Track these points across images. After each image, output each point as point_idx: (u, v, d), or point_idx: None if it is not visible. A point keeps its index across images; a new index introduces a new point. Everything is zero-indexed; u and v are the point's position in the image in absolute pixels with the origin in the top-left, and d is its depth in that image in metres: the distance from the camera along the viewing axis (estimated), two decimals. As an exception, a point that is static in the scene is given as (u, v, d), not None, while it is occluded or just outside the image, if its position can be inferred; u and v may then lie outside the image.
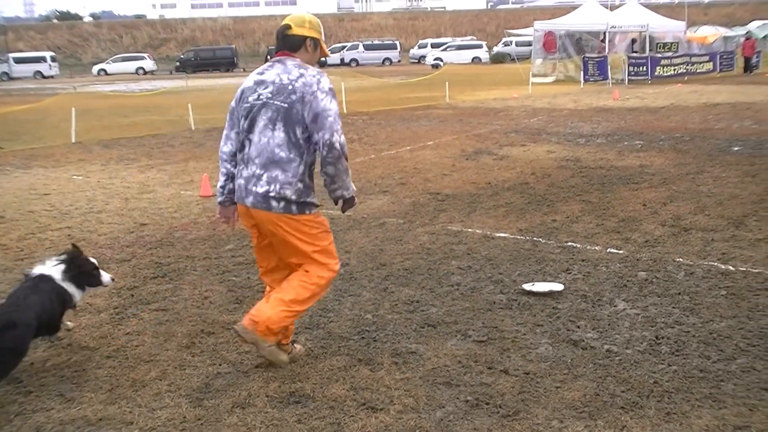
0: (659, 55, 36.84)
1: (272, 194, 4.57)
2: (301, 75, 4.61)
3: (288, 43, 4.75)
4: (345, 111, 22.78)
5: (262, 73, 4.73)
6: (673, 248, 7.48)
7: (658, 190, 10.26)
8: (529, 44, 46.69)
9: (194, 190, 11.14)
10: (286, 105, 4.55)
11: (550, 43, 38.74)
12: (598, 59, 34.80)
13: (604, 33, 37.02)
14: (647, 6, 47.30)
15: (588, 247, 7.57)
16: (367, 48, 72.70)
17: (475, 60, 67.28)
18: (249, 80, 4.77)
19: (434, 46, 71.64)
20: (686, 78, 35.51)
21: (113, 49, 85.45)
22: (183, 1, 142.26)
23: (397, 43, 76.13)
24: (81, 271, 5.23)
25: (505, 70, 46.85)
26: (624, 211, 9.08)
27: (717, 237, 7.82)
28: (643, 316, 5.66)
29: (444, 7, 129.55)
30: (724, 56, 40.47)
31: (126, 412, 4.37)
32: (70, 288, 5.13)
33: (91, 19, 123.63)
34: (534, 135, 16.40)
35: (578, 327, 5.46)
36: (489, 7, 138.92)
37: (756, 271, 6.67)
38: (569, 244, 7.71)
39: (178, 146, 16.22)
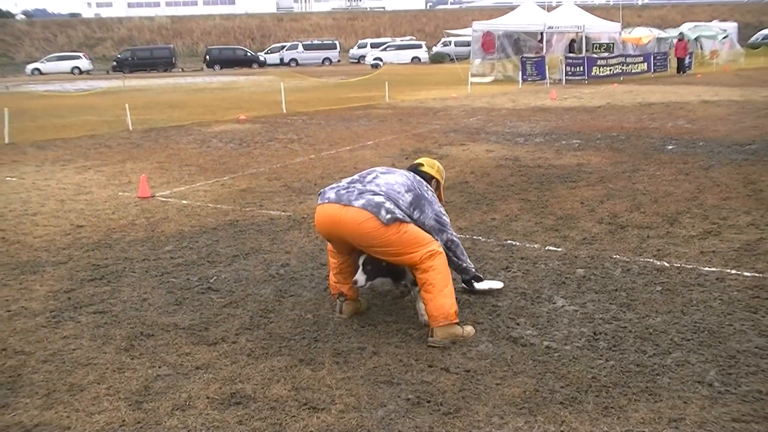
0: (595, 56, 37.34)
1: (386, 205, 5.19)
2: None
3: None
4: (285, 111, 22.70)
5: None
6: (610, 245, 7.60)
7: (595, 188, 10.41)
8: (468, 44, 46.96)
9: (132, 191, 11.00)
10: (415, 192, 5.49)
11: (488, 43, 39.01)
12: (535, 59, 35.17)
13: (542, 33, 37.41)
14: (583, 7, 47.93)
15: (527, 245, 7.65)
16: (307, 48, 72.49)
17: (415, 60, 67.59)
18: None
19: (374, 46, 71.79)
20: (622, 78, 36.06)
21: (47, 48, 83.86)
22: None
23: (337, 43, 76.08)
24: None
25: (444, 69, 47.16)
26: (562, 209, 9.20)
27: (652, 234, 7.96)
28: (582, 312, 5.74)
29: (383, 8, 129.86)
30: (658, 57, 41.19)
31: (63, 417, 4.30)
32: None
33: (23, 17, 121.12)
34: (473, 134, 16.51)
35: (518, 324, 5.52)
36: (428, 7, 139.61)
37: (690, 266, 6.81)
38: (508, 242, 7.78)
39: (115, 147, 16.00)
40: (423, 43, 72.80)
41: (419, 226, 5.34)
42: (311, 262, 7.22)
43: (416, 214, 5.37)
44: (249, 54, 70.15)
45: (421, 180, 5.63)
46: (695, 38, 48.45)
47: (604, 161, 12.54)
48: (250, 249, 7.78)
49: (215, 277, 6.86)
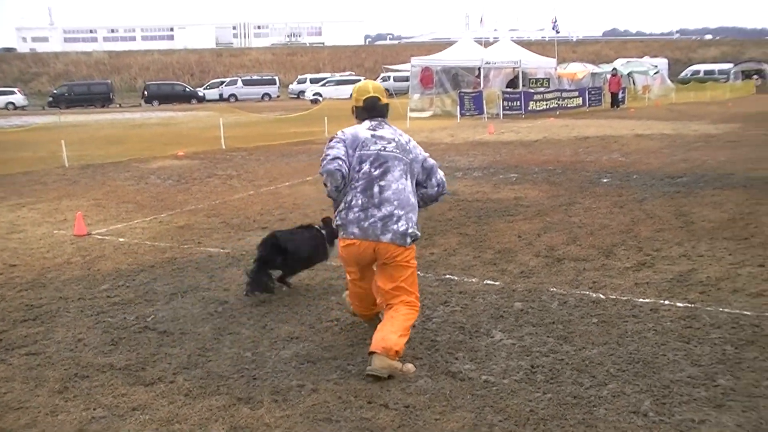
0: (532, 91, 37.92)
1: (409, 231, 5.44)
2: (409, 139, 5.90)
3: (381, 113, 5.88)
4: (224, 147, 22.60)
5: (374, 129, 5.72)
6: (547, 278, 7.69)
7: (532, 221, 10.55)
8: (407, 79, 47.27)
9: (68, 229, 10.84)
10: (408, 161, 5.69)
11: (427, 78, 39.39)
12: (473, 94, 35.59)
13: (479, 69, 37.90)
14: (520, 43, 48.76)
15: (465, 279, 7.71)
16: (246, 83, 72.33)
17: (353, 96, 67.82)
18: (359, 132, 5.69)
19: (313, 81, 71.86)
20: (558, 112, 36.66)
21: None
22: (55, 34, 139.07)
23: (276, 78, 76.06)
24: None
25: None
26: (500, 243, 9.30)
27: (588, 266, 8.09)
28: (519, 345, 5.80)
29: (323, 43, 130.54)
30: (593, 92, 41.94)
31: (-5, 462, 4.21)
32: None
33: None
34: (412, 169, 16.58)
35: (456, 359, 5.55)
36: (367, 42, 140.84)
37: (624, 298, 6.92)
38: (447, 276, 7.84)
39: (51, 184, 15.77)
40: (362, 78, 73.18)
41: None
42: (250, 299, 7.18)
43: (423, 178, 5.85)
44: (188, 89, 69.80)
45: (402, 136, 5.83)
46: (628, 74, 49.58)
47: (541, 195, 12.72)
48: (188, 287, 7.72)
49: (152, 316, 6.78)
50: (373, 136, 5.66)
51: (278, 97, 72.66)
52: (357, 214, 5.46)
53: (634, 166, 16.08)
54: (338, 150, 5.56)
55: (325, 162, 5.53)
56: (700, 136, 23.16)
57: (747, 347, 5.66)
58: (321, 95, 62.23)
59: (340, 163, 5.50)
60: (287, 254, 7.20)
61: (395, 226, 5.41)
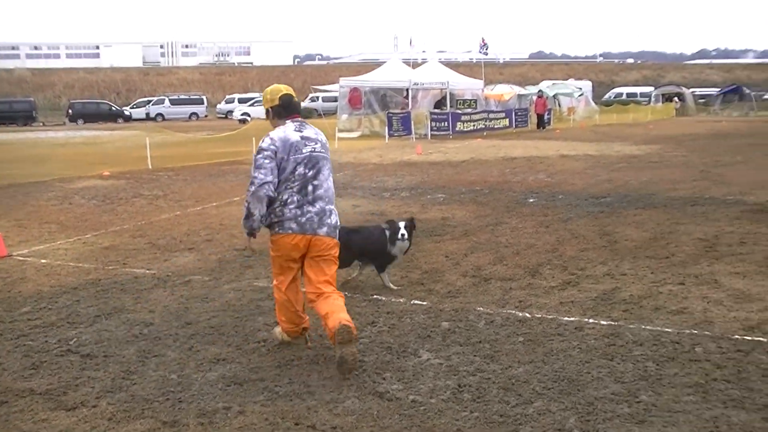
0: (460, 112, 38.29)
1: (338, 224, 6.14)
2: (325, 137, 6.33)
3: (297, 109, 6.28)
4: (150, 167, 22.32)
5: (300, 131, 6.08)
6: (474, 298, 7.75)
7: (459, 241, 10.63)
8: (335, 100, 47.35)
9: (-13, 250, 10.57)
10: (329, 158, 6.22)
11: (355, 99, 39.51)
12: (401, 115, 35.79)
13: (408, 90, 38.15)
14: (447, 65, 49.30)
15: (393, 300, 7.73)
16: (174, 102, 71.55)
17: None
18: (289, 135, 5.99)
19: (241, 101, 71.37)
20: (485, 133, 37.08)
21: None
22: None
23: (204, 98, 75.45)
24: None
25: (312, 124, 47.28)
26: (427, 263, 9.35)
27: (515, 285, 8.18)
28: (447, 365, 5.82)
29: (251, 63, 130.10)
30: (519, 113, 42.58)
31: None
32: None
33: None
34: (340, 189, 16.60)
35: (384, 379, 5.56)
36: (296, 63, 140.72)
37: (550, 317, 7.01)
38: (375, 297, 7.84)
39: (-31, 204, 15.37)
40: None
41: None
42: (176, 321, 7.09)
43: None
44: (114, 108, 68.72)
45: (321, 135, 6.28)
46: (553, 95, 50.44)
47: (468, 215, 12.83)
48: (113, 309, 7.58)
49: (75, 339, 6.64)
50: (302, 138, 6.03)
51: (206, 116, 72.04)
52: (294, 211, 5.89)
53: (559, 187, 16.35)
54: (267, 172, 5.83)
55: (254, 188, 5.82)
56: (623, 157, 23.67)
57: (668, 364, 5.78)
58: (249, 115, 61.81)
59: (269, 188, 5.81)
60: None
61: (329, 220, 6.01)
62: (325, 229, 5.95)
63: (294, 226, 5.87)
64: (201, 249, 10.44)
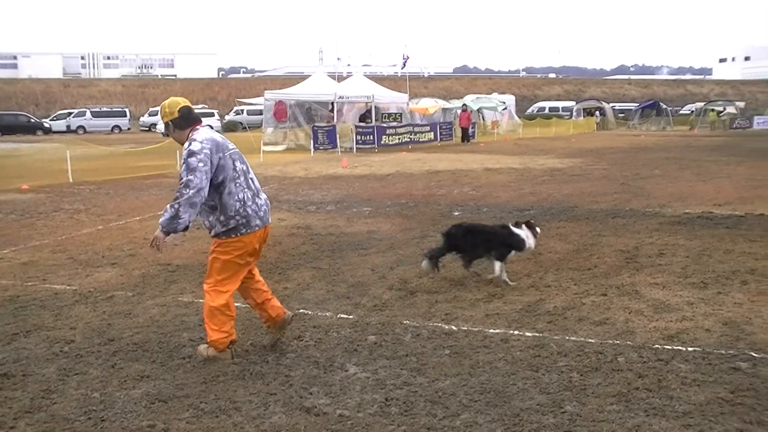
0: (385, 125, 38.42)
1: None
2: None
3: (198, 118, 6.39)
4: (71, 180, 21.87)
5: (215, 133, 6.34)
6: (400, 311, 7.77)
7: (385, 254, 10.65)
8: (261, 113, 47.13)
9: None
10: None
11: (280, 112, 39.34)
12: (327, 128, 35.75)
13: (333, 103, 38.16)
14: (373, 78, 49.44)
15: (319, 314, 7.70)
16: (95, 115, 70.21)
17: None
18: (214, 135, 6.23)
19: (165, 113, 70.46)
20: (410, 146, 37.25)
21: None
22: None
23: (127, 110, 74.25)
24: None
25: (237, 138, 46.98)
26: (354, 276, 9.34)
27: (440, 298, 8.22)
28: (374, 379, 5.82)
29: (175, 75, 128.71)
30: (444, 127, 42.90)
31: None
32: None
33: None
34: (266, 203, 16.48)
35: (311, 393, 5.52)
36: (220, 75, 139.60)
37: (476, 329, 7.06)
38: (301, 310, 7.80)
39: None
40: (215, 111, 72.38)
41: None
42: (98, 338, 6.95)
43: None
44: (33, 120, 67.12)
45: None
46: (478, 109, 50.99)
47: (394, 228, 12.86)
48: (32, 326, 7.39)
49: (-8, 358, 6.46)
50: (221, 137, 6.32)
51: (129, 129, 70.96)
52: (253, 207, 6.19)
53: (484, 200, 16.51)
54: (202, 176, 5.89)
55: (190, 192, 5.84)
56: (547, 171, 24.03)
57: (591, 374, 5.86)
58: (173, 128, 61.11)
59: (204, 194, 5.92)
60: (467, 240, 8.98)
61: (269, 208, 6.46)
62: (270, 217, 6.46)
63: (257, 222, 6.20)
64: (124, 264, 10.26)
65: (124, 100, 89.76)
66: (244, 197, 6.14)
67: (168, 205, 5.97)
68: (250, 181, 6.30)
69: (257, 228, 6.21)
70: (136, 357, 6.43)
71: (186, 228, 5.96)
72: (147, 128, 69.82)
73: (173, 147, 28.56)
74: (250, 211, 6.14)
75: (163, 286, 8.95)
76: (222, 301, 6.17)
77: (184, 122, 6.27)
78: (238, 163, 6.22)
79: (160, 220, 6.00)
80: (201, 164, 5.88)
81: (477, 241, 8.92)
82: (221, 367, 6.08)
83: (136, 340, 6.89)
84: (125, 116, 71.93)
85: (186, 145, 6.07)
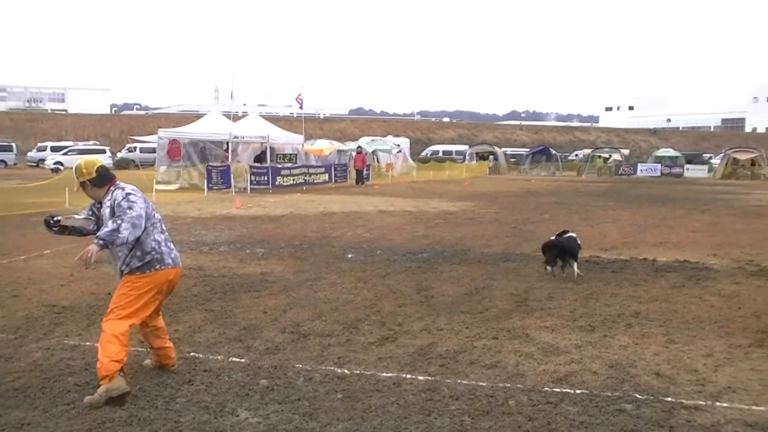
0: (280, 166, 38.32)
1: None
2: None
3: (112, 175, 6.79)
4: (-49, 217, 21.05)
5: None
6: (293, 354, 7.71)
7: (278, 297, 10.57)
8: (154, 151, 46.42)
9: None
10: None
11: (174, 150, 38.83)
12: (221, 168, 35.41)
13: (228, 143, 37.89)
14: (268, 118, 49.36)
15: (210, 357, 7.58)
16: (-21, 149, 68.10)
17: (96, 165, 65.54)
18: (138, 191, 6.68)
19: (54, 149, 68.74)
20: (305, 188, 37.22)
21: None
22: None
23: (14, 145, 72.07)
24: None
25: (129, 176, 46.19)
26: (246, 319, 9.23)
27: (333, 342, 8.19)
28: (265, 424, 5.75)
29: (65, 110, 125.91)
30: (339, 168, 43.02)
31: None
32: None
33: None
34: (157, 243, 16.18)
35: (200, 440, 5.41)
36: (113, 112, 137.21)
37: (369, 373, 7.06)
38: (192, 354, 7.67)
39: None
40: (107, 148, 70.93)
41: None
42: (-24, 383, 6.67)
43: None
44: None
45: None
46: (372, 151, 51.37)
47: (287, 270, 12.79)
48: None
49: None
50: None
51: (15, 164, 68.89)
52: (165, 248, 6.75)
53: (378, 242, 16.58)
54: (143, 206, 6.53)
55: (135, 214, 6.40)
56: (440, 213, 24.31)
57: (483, 417, 5.92)
58: (62, 164, 59.68)
59: (143, 224, 6.50)
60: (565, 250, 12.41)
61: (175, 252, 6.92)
62: (180, 263, 6.99)
63: (170, 261, 6.75)
64: (6, 305, 9.90)
65: (11, 134, 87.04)
66: (159, 239, 6.72)
67: (110, 221, 6.34)
68: (163, 228, 6.87)
69: (169, 266, 6.73)
70: (16, 403, 6.20)
71: (123, 243, 6.35)
72: (35, 164, 67.94)
73: (63, 183, 27.88)
74: (164, 250, 6.72)
75: (47, 329, 8.67)
76: (123, 328, 6.41)
77: (103, 180, 6.69)
78: (155, 213, 6.80)
79: (99, 233, 6.31)
80: (140, 200, 6.55)
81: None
82: (107, 413, 5.91)
83: (17, 386, 6.64)
84: (12, 151, 69.76)
85: (117, 193, 6.60)
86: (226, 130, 37.91)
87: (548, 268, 12.33)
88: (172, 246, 6.91)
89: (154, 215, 6.78)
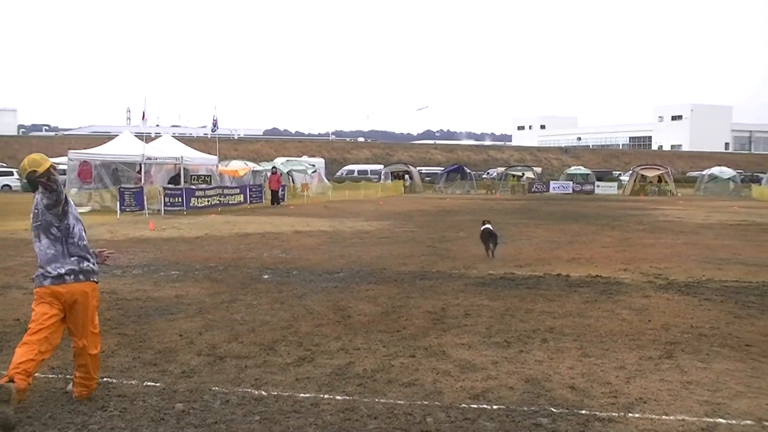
0: (194, 187, 37.93)
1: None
2: None
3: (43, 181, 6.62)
4: None
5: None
6: (209, 377, 7.62)
7: (194, 319, 10.44)
8: (64, 173, 45.47)
9: None
10: None
11: (85, 172, 38.11)
12: (134, 190, 34.89)
13: (141, 164, 37.38)
14: (182, 139, 48.87)
15: (124, 382, 7.44)
16: None
17: (5, 188, 64.03)
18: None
19: (-45, 171, 66.80)
20: (220, 209, 36.88)
21: None
22: None
23: None
24: None
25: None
26: (161, 342, 9.09)
27: (250, 363, 8.12)
28: (181, 448, 5.66)
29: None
30: (254, 189, 42.78)
31: None
32: None
33: None
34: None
35: (114, 467, 5.30)
36: (21, 133, 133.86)
37: (286, 394, 7.02)
38: (105, 379, 7.50)
39: None
40: (15, 170, 69.23)
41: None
42: None
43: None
44: None
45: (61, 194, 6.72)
46: (287, 172, 51.22)
47: (202, 292, 12.65)
48: None
49: None
50: None
51: None
52: (57, 261, 6.72)
53: (294, 263, 16.51)
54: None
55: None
56: (356, 233, 24.36)
57: (400, 436, 5.93)
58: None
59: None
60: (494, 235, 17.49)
61: (85, 264, 6.88)
62: (72, 277, 6.78)
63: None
64: None
65: None
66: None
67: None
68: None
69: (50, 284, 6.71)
70: None
71: None
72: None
73: (-33, 208, 27.01)
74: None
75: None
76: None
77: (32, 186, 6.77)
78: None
79: None
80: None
81: None
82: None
83: None
84: None
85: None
86: (138, 151, 37.40)
87: (489, 253, 17.52)
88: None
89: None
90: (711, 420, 6.41)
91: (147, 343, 9.04)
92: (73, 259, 6.75)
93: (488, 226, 18.19)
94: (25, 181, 7.11)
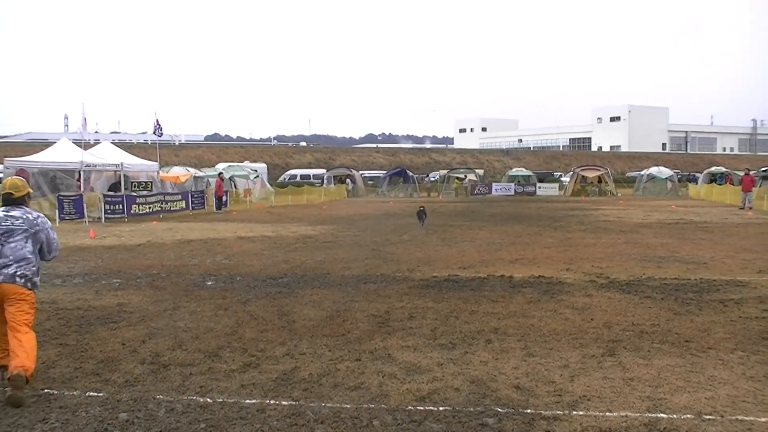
0: (135, 194, 37.48)
1: (18, 273, 7.59)
2: (39, 216, 8.05)
3: (16, 202, 7.97)
4: None
5: (8, 212, 7.80)
6: (153, 386, 7.54)
7: (136, 328, 10.32)
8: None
9: None
10: (33, 231, 7.85)
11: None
12: (73, 197, 34.35)
13: (80, 171, 36.83)
14: (121, 146, 48.25)
15: (66, 393, 7.33)
16: None
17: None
18: None
19: None
20: (161, 216, 36.52)
21: None
22: None
23: None
24: None
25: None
26: (103, 351, 8.97)
27: (195, 371, 8.06)
28: (125, 458, 5.59)
29: None
30: (196, 195, 42.43)
31: None
32: None
33: None
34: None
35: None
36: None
37: (232, 401, 6.98)
38: (46, 391, 7.39)
39: None
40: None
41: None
42: None
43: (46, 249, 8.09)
44: None
45: (31, 214, 7.95)
46: (230, 177, 50.88)
47: (145, 300, 12.51)
48: None
49: None
50: (6, 216, 7.78)
51: None
52: None
53: (237, 269, 16.42)
54: None
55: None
56: (299, 238, 24.30)
57: (347, 440, 5.93)
58: None
59: None
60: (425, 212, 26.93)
61: (5, 270, 7.52)
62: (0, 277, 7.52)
63: None
64: None
65: None
66: None
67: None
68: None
69: None
70: None
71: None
72: None
73: None
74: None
75: None
76: None
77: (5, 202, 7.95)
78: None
79: None
80: None
81: None
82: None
83: None
84: None
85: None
86: (77, 158, 36.81)
87: (421, 224, 25.86)
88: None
89: None
90: (653, 415, 6.53)
91: (89, 353, 8.92)
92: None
93: (422, 207, 28.91)
94: None
